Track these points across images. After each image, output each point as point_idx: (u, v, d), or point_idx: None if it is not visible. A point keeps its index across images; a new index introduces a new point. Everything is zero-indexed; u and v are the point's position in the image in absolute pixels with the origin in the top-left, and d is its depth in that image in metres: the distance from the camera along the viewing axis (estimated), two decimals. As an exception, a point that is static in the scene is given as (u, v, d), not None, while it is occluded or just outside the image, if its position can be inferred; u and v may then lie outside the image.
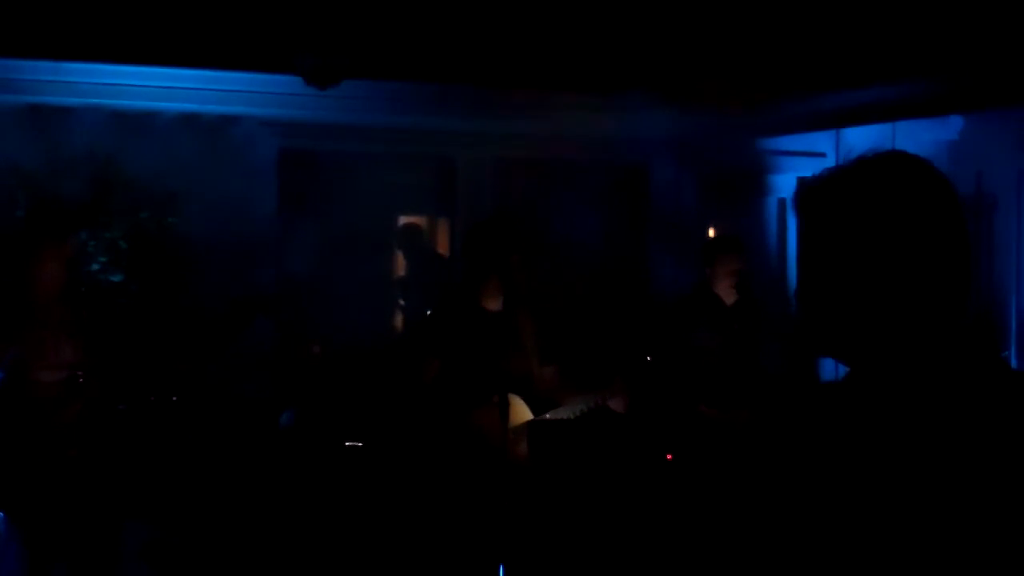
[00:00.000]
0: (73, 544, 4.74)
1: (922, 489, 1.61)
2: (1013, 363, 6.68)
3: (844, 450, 1.67)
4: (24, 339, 4.64)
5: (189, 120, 7.00)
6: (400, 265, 8.07)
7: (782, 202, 8.13)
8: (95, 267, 6.56)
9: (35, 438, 4.62)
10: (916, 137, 6.73)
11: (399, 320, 7.99)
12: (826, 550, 1.65)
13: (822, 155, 7.69)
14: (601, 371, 5.34)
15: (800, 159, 7.87)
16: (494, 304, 5.18)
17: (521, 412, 5.18)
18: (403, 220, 8.14)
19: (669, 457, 5.67)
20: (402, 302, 7.94)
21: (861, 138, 7.26)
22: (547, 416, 5.20)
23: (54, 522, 4.65)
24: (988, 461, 1.61)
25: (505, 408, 4.97)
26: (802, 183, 1.82)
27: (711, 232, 8.28)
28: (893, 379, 1.68)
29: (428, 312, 5.55)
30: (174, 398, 5.59)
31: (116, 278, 6.67)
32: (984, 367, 1.68)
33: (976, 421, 1.63)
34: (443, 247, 8.19)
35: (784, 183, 8.07)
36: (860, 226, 1.68)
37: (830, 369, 6.99)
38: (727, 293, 6.14)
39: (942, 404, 1.65)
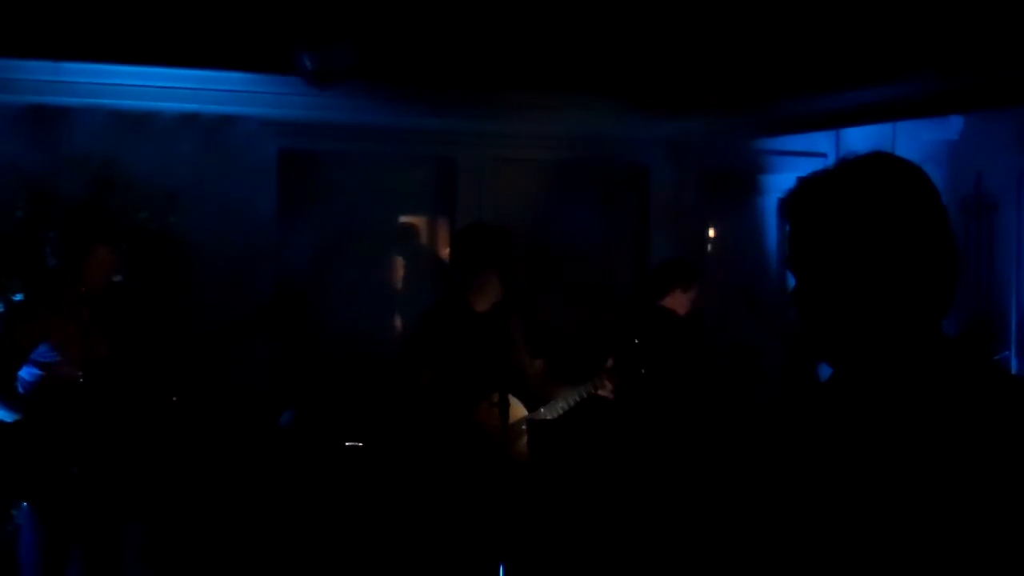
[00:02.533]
0: (86, 531, 4.79)
1: (902, 490, 1.62)
2: (1013, 363, 6.68)
3: (826, 451, 1.68)
4: (54, 335, 4.72)
5: (189, 120, 7.00)
6: (398, 266, 8.07)
7: (782, 202, 8.13)
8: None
9: (54, 432, 4.67)
10: (916, 137, 6.74)
11: (398, 321, 7.98)
12: (814, 549, 1.66)
13: (822, 155, 7.69)
14: (592, 361, 5.37)
15: (800, 159, 7.86)
16: (483, 304, 5.20)
17: (517, 409, 5.19)
18: (399, 221, 8.14)
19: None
20: (394, 305, 7.93)
21: (861, 138, 7.25)
22: (541, 410, 5.22)
23: (70, 511, 4.71)
24: (967, 463, 1.61)
25: (505, 407, 4.98)
26: (794, 185, 1.83)
27: (711, 232, 8.28)
28: (873, 381, 1.69)
29: (420, 317, 5.56)
30: (174, 398, 5.60)
31: (116, 278, 6.66)
32: (970, 369, 1.69)
33: (956, 423, 1.64)
34: (443, 247, 8.19)
35: (784, 183, 8.07)
36: (839, 229, 1.69)
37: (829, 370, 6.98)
38: (680, 308, 6.25)
39: (922, 406, 1.66)
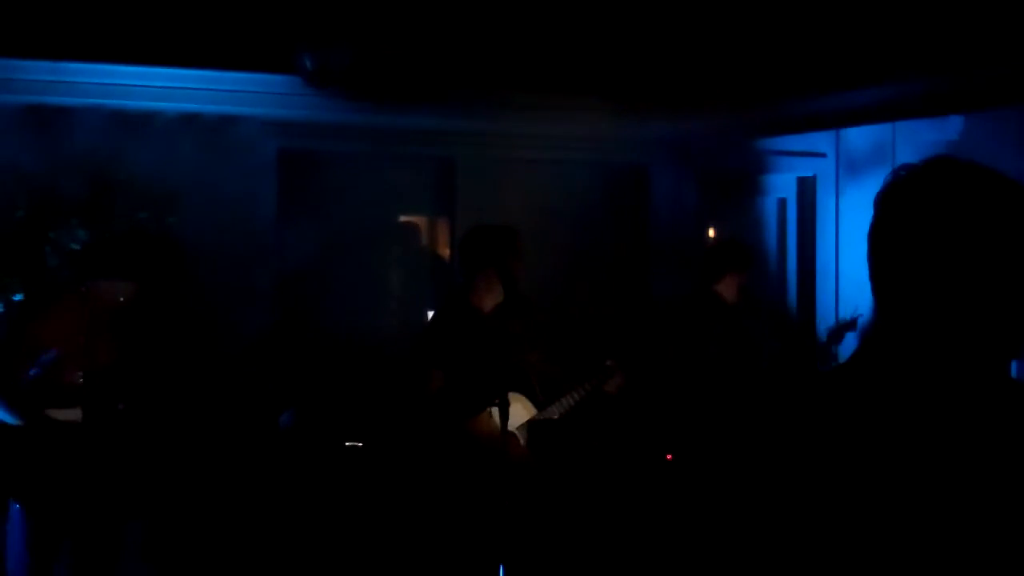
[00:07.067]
0: (78, 533, 4.78)
1: (900, 488, 1.64)
2: (1013, 363, 6.69)
3: (832, 444, 1.69)
4: (57, 337, 4.70)
5: (189, 120, 7.00)
6: (397, 266, 8.07)
7: (782, 202, 8.13)
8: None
9: (52, 435, 4.66)
10: (916, 137, 6.73)
11: (397, 322, 7.99)
12: (815, 545, 1.67)
13: (822, 155, 7.69)
14: (595, 359, 5.37)
15: (800, 159, 7.86)
16: (488, 305, 5.20)
17: (523, 410, 5.18)
18: (399, 221, 8.14)
19: (669, 457, 5.68)
20: (394, 305, 7.94)
21: (861, 138, 7.25)
22: (548, 409, 5.22)
23: (61, 513, 4.69)
24: (966, 464, 1.63)
25: (505, 408, 4.99)
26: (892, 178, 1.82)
27: (711, 232, 8.28)
28: (898, 371, 1.70)
29: (429, 317, 5.56)
30: (173, 398, 5.60)
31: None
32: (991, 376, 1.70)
33: (960, 423, 1.66)
34: (443, 247, 8.20)
35: (784, 183, 8.07)
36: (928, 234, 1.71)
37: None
38: (730, 295, 6.28)
39: (937, 404, 1.67)
